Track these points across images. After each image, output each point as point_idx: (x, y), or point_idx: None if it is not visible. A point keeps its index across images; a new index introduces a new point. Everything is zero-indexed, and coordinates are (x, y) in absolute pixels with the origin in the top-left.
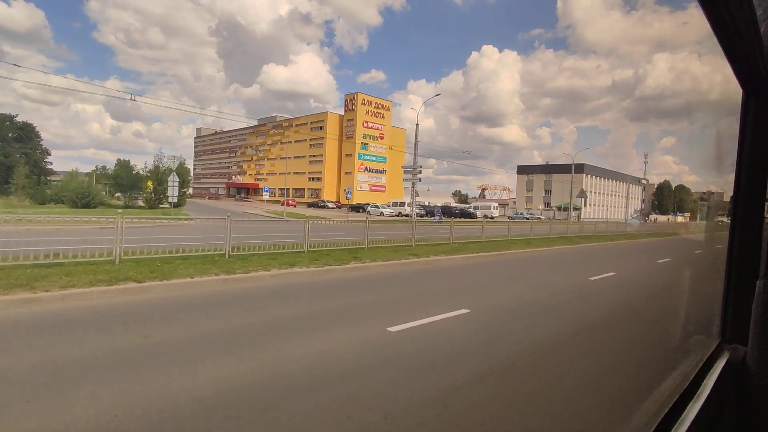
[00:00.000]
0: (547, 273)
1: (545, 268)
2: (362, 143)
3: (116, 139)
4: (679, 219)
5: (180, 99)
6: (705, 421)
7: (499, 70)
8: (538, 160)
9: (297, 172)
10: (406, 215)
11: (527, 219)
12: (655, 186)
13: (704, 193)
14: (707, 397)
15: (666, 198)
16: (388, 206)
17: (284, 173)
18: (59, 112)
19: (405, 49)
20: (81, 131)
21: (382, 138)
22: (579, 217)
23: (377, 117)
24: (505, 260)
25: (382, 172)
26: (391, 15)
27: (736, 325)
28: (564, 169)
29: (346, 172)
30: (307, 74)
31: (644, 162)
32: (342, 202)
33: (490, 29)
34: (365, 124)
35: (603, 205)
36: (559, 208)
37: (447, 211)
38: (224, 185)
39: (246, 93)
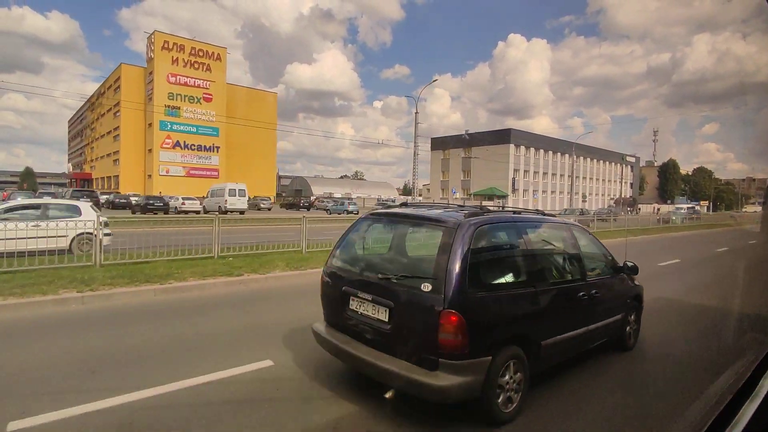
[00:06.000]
0: None
1: None
2: (168, 107)
3: None
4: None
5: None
6: (762, 422)
7: (527, 60)
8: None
9: (107, 155)
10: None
11: (349, 213)
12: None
13: (743, 179)
14: (764, 398)
15: (671, 182)
16: None
17: (105, 156)
18: None
19: (429, 43)
20: None
21: (208, 100)
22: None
23: (197, 69)
24: None
25: (210, 149)
26: (413, 8)
27: None
28: (490, 138)
29: (149, 150)
30: (331, 72)
31: (654, 140)
32: (150, 193)
33: (517, 18)
34: (173, 79)
35: (546, 191)
36: (488, 197)
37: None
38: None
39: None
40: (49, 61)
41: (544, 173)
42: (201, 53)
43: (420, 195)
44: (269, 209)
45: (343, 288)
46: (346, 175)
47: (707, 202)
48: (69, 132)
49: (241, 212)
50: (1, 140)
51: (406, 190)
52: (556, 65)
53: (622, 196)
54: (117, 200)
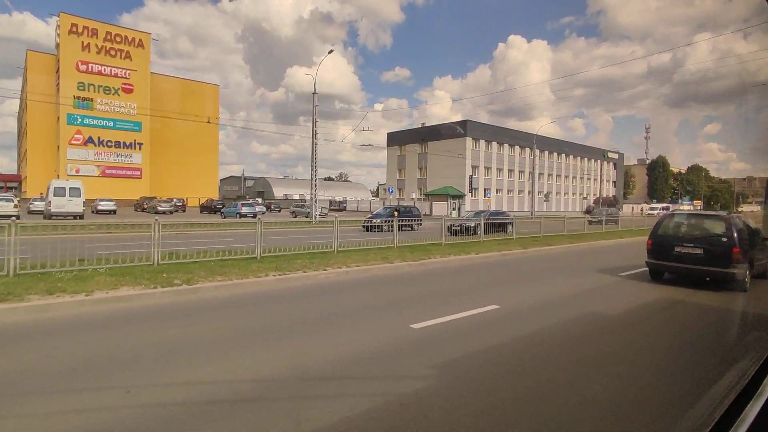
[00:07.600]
0: None
1: None
2: (78, 98)
3: None
4: (686, 208)
5: None
6: (767, 421)
7: (528, 61)
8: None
9: (23, 154)
10: None
11: (242, 216)
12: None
13: (744, 179)
14: None
15: (660, 181)
16: None
17: (23, 155)
18: None
19: (429, 44)
20: None
21: (128, 91)
22: (459, 211)
23: (114, 56)
24: None
25: (131, 146)
26: (413, 10)
27: None
28: (448, 132)
29: (57, 147)
30: (331, 75)
31: (645, 137)
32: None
33: (517, 19)
34: (83, 67)
35: (513, 190)
36: (455, 197)
37: None
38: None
39: (272, 97)
40: None
41: (510, 170)
42: (118, 39)
43: (361, 192)
44: (171, 213)
45: (672, 242)
46: (330, 177)
47: (700, 201)
48: (18, 131)
49: (77, 217)
50: (5, 146)
51: (379, 191)
52: (556, 66)
53: (602, 195)
54: None
